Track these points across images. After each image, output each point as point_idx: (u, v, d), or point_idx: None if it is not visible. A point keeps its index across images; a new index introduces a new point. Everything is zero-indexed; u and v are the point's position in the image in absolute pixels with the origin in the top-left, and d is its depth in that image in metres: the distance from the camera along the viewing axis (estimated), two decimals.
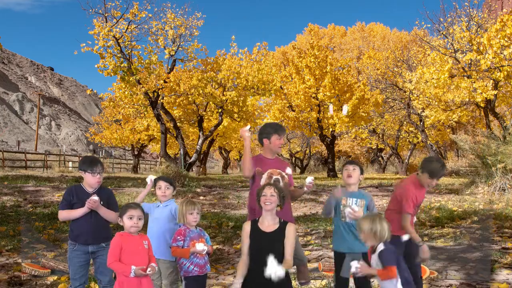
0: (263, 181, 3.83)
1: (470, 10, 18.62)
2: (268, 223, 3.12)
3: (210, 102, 22.01)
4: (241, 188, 15.75)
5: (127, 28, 18.32)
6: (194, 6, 49.39)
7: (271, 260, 2.93)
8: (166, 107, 21.38)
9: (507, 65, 14.52)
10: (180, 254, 3.32)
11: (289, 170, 3.95)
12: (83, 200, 3.47)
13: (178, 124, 22.94)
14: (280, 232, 3.09)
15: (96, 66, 18.18)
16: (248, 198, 4.04)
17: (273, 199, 3.10)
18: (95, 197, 3.43)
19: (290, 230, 3.12)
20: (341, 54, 48.04)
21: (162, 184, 3.76)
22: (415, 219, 3.74)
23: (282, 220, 3.16)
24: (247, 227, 3.17)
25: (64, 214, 3.50)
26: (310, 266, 5.23)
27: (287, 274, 3.13)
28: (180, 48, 19.93)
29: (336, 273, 3.53)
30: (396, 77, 27.86)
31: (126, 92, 19.58)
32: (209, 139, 29.49)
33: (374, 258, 2.93)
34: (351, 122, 26.59)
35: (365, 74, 32.97)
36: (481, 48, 14.55)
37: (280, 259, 3.04)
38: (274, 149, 3.97)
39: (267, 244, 3.03)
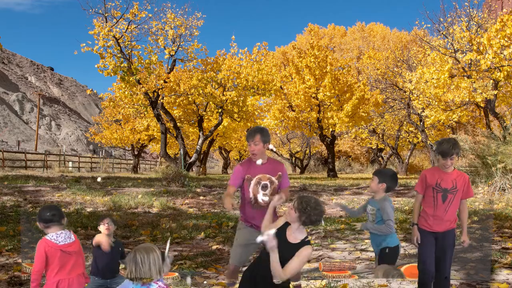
0: (251, 186, 3.78)
1: (470, 10, 18.63)
2: (295, 236, 3.04)
3: (210, 102, 22.02)
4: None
5: (127, 28, 18.33)
6: (194, 6, 49.58)
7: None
8: (166, 107, 21.38)
9: (507, 65, 14.51)
10: None
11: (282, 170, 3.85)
12: None
13: (178, 124, 22.95)
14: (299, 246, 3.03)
15: (96, 66, 18.22)
16: (240, 203, 3.98)
17: (292, 212, 3.04)
18: None
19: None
20: (341, 54, 48.05)
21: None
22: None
23: (306, 238, 3.07)
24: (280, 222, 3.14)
25: None
26: (310, 266, 5.23)
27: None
28: (180, 48, 19.96)
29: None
30: (396, 77, 27.86)
31: (126, 92, 19.60)
32: (209, 139, 29.50)
33: None
34: (351, 122, 26.60)
35: (365, 74, 32.97)
36: (481, 48, 14.54)
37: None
38: (251, 155, 3.86)
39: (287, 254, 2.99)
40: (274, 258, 2.90)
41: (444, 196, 3.63)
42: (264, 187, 3.76)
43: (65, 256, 3.14)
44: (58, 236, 3.15)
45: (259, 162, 3.71)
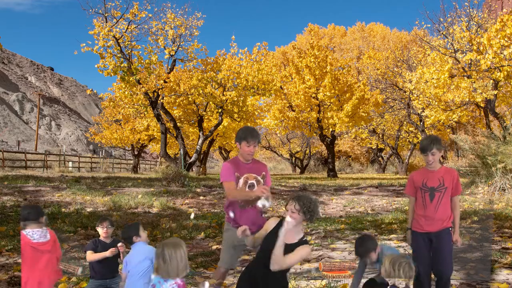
0: (239, 185, 3.76)
1: (470, 10, 18.65)
2: (292, 237, 3.04)
3: (210, 102, 22.01)
4: None
5: (127, 28, 18.32)
6: (194, 6, 49.51)
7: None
8: (166, 107, 21.38)
9: (507, 65, 14.51)
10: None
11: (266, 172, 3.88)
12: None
13: (178, 124, 22.94)
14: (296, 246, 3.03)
15: (96, 66, 18.21)
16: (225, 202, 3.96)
17: (294, 215, 3.03)
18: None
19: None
20: (341, 54, 48.06)
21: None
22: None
23: (304, 238, 3.08)
24: (272, 222, 3.15)
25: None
26: (310, 266, 5.23)
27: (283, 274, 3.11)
28: (180, 48, 19.95)
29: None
30: (396, 77, 27.88)
31: (126, 92, 19.59)
32: (209, 139, 29.49)
33: None
34: (351, 122, 26.61)
35: (365, 74, 33.00)
36: (481, 48, 14.54)
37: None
38: (243, 155, 3.82)
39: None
40: (281, 242, 2.94)
41: (431, 195, 3.59)
42: (251, 187, 3.76)
43: (36, 253, 3.16)
44: (34, 233, 3.19)
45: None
